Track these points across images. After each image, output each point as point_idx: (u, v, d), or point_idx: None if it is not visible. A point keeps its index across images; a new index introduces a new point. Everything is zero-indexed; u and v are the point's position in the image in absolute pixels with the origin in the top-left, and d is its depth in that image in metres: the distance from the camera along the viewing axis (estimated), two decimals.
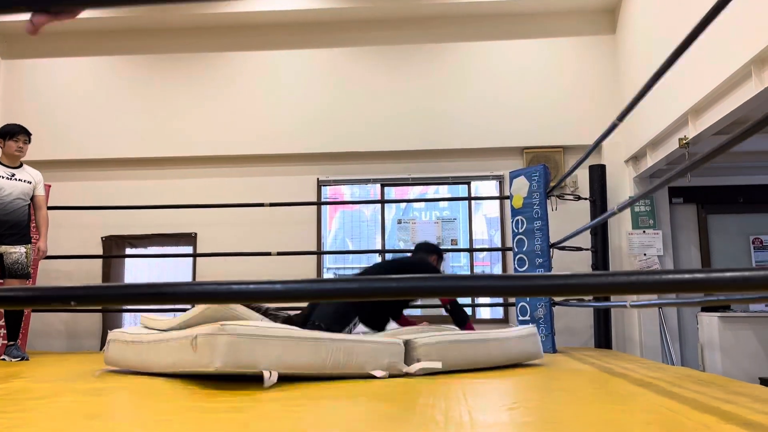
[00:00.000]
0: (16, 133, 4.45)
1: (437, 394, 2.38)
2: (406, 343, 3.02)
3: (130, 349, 2.95)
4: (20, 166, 4.54)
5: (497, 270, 6.11)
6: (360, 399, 2.26)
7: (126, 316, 6.21)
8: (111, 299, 0.73)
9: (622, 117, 3.53)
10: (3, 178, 4.40)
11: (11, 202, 4.39)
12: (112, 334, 3.20)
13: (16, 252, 4.38)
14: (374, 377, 2.76)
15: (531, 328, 3.61)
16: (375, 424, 1.81)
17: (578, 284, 0.89)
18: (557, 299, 4.68)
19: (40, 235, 4.56)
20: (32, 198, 4.56)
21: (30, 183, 4.54)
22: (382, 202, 6.12)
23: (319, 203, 6.07)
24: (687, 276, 0.92)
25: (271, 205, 5.70)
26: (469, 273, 6.07)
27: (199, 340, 2.47)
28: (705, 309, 5.41)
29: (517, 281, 0.80)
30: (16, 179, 4.46)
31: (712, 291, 0.93)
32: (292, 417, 1.91)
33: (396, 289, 0.74)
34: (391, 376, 2.83)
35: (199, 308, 2.80)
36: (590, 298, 5.41)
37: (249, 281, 0.75)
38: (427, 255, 4.12)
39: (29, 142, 4.54)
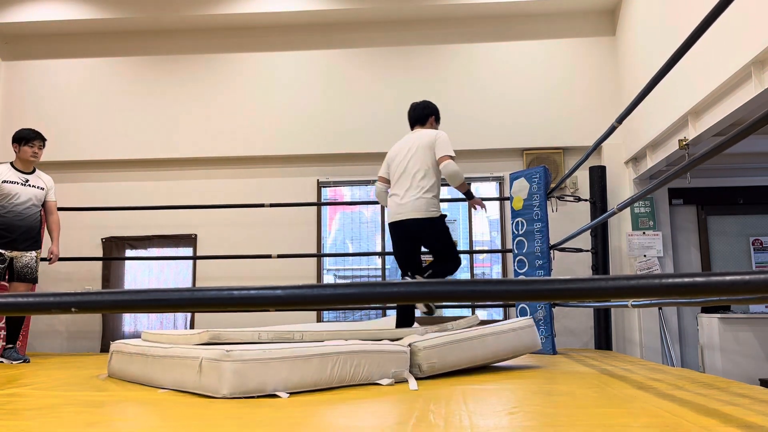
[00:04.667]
0: (31, 138, 4.48)
1: (438, 398, 2.38)
2: (409, 346, 3.02)
3: (134, 361, 2.93)
4: (33, 171, 4.57)
5: (497, 270, 6.11)
6: (361, 405, 2.26)
7: (126, 317, 6.20)
8: (111, 306, 0.73)
9: (621, 119, 3.53)
10: (18, 184, 4.43)
11: (26, 209, 4.43)
12: (114, 346, 3.18)
13: (27, 256, 4.42)
14: (379, 385, 2.76)
15: (528, 320, 3.60)
16: (374, 430, 1.81)
17: (578, 288, 0.89)
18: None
19: (52, 240, 4.60)
20: (44, 203, 4.60)
21: (43, 189, 4.57)
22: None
23: (319, 204, 6.07)
24: (687, 280, 0.92)
25: (272, 205, 5.71)
26: (469, 274, 6.07)
27: (205, 364, 2.42)
28: (705, 310, 5.41)
29: (517, 286, 0.80)
30: (29, 185, 4.49)
31: (712, 295, 0.94)
32: (290, 423, 1.91)
33: (397, 293, 0.74)
34: (396, 382, 2.83)
35: (198, 333, 2.78)
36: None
37: (250, 287, 0.75)
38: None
39: (44, 147, 4.59)
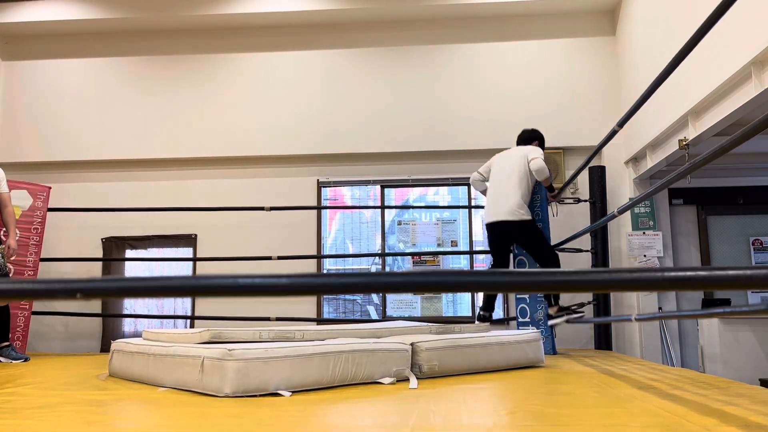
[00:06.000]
0: None
1: (438, 398, 2.37)
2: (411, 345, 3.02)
3: (136, 360, 2.92)
4: None
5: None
6: (362, 404, 2.25)
7: (126, 318, 6.19)
8: (116, 292, 0.73)
9: (621, 123, 3.54)
10: None
11: None
12: (115, 345, 3.17)
13: None
14: (381, 383, 2.76)
15: (535, 333, 3.59)
16: (374, 429, 1.81)
17: (581, 280, 0.89)
18: (558, 308, 4.60)
19: (8, 233, 4.36)
20: None
21: None
22: (382, 207, 6.11)
23: (318, 207, 6.06)
24: (689, 273, 0.93)
25: (272, 209, 5.69)
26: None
27: (206, 363, 2.42)
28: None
29: (522, 277, 0.80)
30: None
31: (714, 289, 0.94)
32: (290, 422, 1.90)
33: (400, 283, 0.74)
34: (398, 381, 2.82)
35: (199, 332, 2.78)
36: (593, 315, 5.40)
37: (255, 275, 0.75)
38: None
39: None
